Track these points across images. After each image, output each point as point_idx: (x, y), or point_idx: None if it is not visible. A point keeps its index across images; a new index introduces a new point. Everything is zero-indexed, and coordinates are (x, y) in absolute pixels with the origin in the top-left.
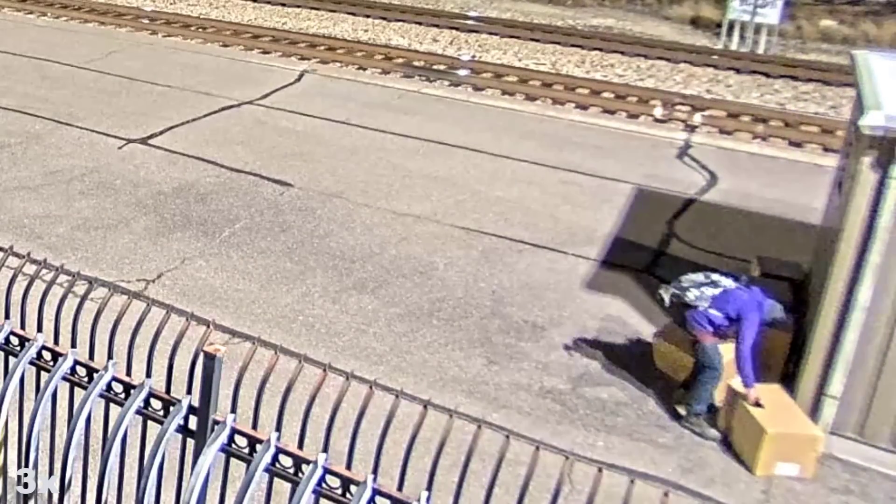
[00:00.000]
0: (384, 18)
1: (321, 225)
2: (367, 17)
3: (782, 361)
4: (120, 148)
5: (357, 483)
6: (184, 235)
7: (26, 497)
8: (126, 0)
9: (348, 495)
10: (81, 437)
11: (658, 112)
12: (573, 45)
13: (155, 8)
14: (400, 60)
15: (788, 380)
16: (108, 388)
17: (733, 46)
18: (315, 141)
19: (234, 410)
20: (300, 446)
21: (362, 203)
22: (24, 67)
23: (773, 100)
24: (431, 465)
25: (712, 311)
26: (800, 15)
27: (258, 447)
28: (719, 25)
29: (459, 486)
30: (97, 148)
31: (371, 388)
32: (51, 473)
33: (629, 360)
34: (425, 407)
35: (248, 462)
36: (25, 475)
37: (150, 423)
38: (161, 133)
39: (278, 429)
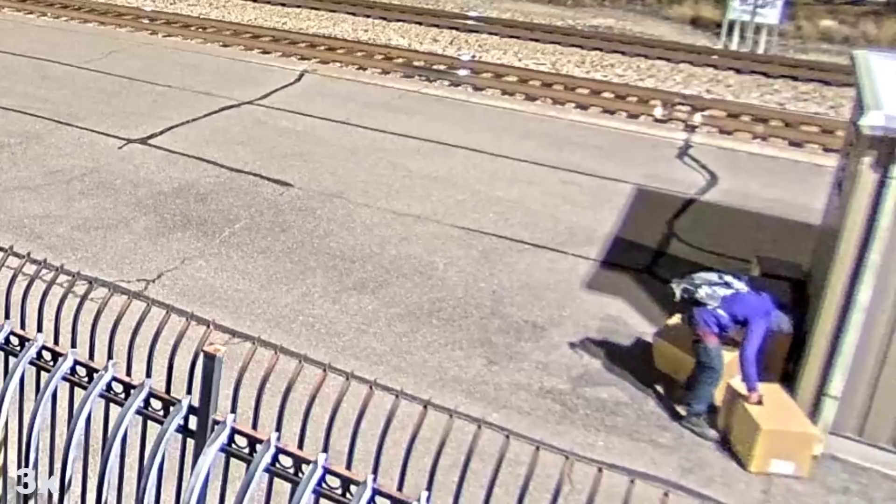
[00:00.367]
0: (384, 18)
1: (321, 225)
2: (367, 17)
3: (782, 361)
4: (120, 148)
5: (357, 483)
6: (184, 235)
7: (26, 497)
8: (126, 0)
9: (348, 495)
10: (81, 437)
11: (658, 112)
12: (573, 45)
13: (155, 8)
14: (400, 60)
15: (788, 380)
16: (108, 388)
17: (733, 46)
18: (315, 141)
19: (234, 410)
20: (300, 446)
21: (362, 203)
22: (24, 67)
23: (773, 100)
24: (431, 465)
25: (720, 311)
26: (800, 15)
27: (258, 447)
28: (719, 25)
29: (459, 486)
30: (97, 148)
31: (371, 388)
32: (51, 473)
33: (629, 360)
34: (425, 407)
35: (248, 462)
36: (25, 475)
37: (150, 423)
38: (161, 133)
39: (278, 429)
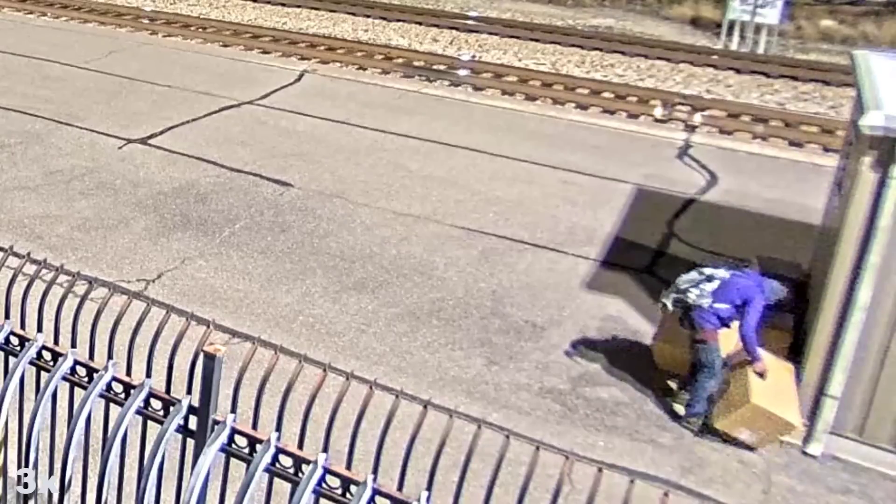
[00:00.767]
0: (384, 18)
1: (321, 225)
2: (367, 17)
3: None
4: (120, 148)
5: (357, 483)
6: (184, 235)
7: (26, 497)
8: (126, 0)
9: (348, 495)
10: (81, 437)
11: (658, 112)
12: (573, 45)
13: (155, 8)
14: (400, 60)
15: None
16: (108, 388)
17: (733, 46)
18: (315, 141)
19: (234, 410)
20: (300, 446)
21: (362, 203)
22: (24, 67)
23: (773, 100)
24: (431, 465)
25: (717, 306)
26: (800, 15)
27: (258, 447)
28: (719, 25)
29: (459, 486)
30: (97, 148)
31: (371, 388)
32: (51, 473)
33: (629, 360)
34: (425, 407)
35: (248, 462)
36: (25, 475)
37: (150, 423)
38: (161, 133)
39: (278, 429)
